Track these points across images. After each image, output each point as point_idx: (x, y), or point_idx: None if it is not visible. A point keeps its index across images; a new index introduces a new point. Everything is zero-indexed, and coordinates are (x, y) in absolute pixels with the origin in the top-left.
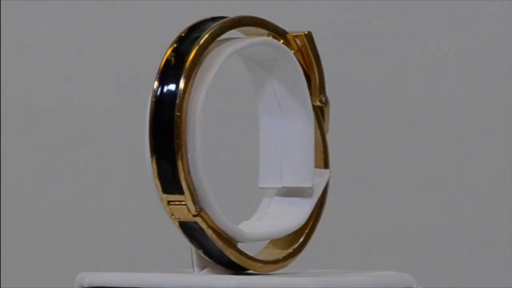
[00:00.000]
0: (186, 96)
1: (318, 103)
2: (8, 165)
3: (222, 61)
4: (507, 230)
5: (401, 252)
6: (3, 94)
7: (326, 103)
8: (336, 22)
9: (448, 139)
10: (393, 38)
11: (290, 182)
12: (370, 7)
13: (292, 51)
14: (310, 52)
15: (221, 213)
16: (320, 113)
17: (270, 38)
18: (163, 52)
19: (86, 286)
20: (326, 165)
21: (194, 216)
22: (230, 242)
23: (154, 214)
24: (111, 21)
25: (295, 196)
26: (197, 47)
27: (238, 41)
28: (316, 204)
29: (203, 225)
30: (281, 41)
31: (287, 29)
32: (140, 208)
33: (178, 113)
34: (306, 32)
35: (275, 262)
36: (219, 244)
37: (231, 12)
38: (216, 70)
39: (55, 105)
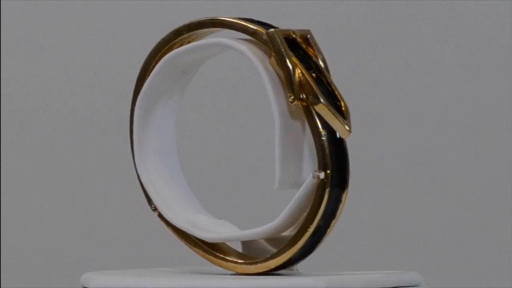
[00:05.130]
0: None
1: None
2: (11, 166)
3: (158, 67)
4: (508, 230)
5: (408, 251)
6: (3, 94)
7: (311, 102)
8: (335, 22)
9: (451, 138)
10: (392, 38)
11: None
12: (369, 7)
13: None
14: (275, 52)
15: (170, 213)
16: (314, 112)
17: (216, 40)
18: None
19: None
20: (320, 167)
21: (158, 215)
22: (195, 241)
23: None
24: (112, 21)
25: None
26: (148, 54)
27: (181, 47)
28: (297, 209)
29: (164, 224)
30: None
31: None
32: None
33: (130, 119)
34: (266, 31)
35: (251, 263)
36: (184, 243)
37: (231, 12)
38: (151, 77)
39: (57, 106)
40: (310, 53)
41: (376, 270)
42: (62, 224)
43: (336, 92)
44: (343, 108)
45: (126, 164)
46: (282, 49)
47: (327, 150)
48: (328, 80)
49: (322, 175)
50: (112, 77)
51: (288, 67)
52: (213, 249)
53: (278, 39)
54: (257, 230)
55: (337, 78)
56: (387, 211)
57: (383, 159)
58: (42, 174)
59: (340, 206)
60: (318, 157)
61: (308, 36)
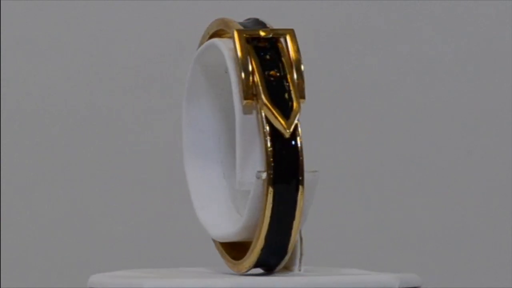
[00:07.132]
0: None
1: None
2: (11, 166)
3: (191, 67)
4: (508, 230)
5: (407, 251)
6: (3, 94)
7: (258, 103)
8: (334, 22)
9: (451, 138)
10: (392, 38)
11: None
12: (369, 7)
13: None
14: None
15: (201, 212)
16: (262, 112)
17: (215, 40)
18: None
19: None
20: (265, 167)
21: None
22: (215, 241)
23: (162, 214)
24: (113, 21)
25: None
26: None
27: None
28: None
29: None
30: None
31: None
32: (147, 207)
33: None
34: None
35: (242, 262)
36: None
37: (232, 12)
38: (188, 76)
39: (57, 106)
40: (282, 52)
41: (377, 270)
42: (62, 224)
43: (293, 92)
44: (293, 107)
45: (126, 164)
46: (238, 49)
47: (268, 150)
48: (288, 80)
49: (264, 175)
50: (112, 77)
51: (239, 66)
52: (226, 248)
53: (236, 39)
54: (219, 233)
55: (336, 78)
56: (386, 211)
57: (383, 159)
58: (42, 174)
59: (298, 207)
60: (265, 158)
61: (286, 35)
